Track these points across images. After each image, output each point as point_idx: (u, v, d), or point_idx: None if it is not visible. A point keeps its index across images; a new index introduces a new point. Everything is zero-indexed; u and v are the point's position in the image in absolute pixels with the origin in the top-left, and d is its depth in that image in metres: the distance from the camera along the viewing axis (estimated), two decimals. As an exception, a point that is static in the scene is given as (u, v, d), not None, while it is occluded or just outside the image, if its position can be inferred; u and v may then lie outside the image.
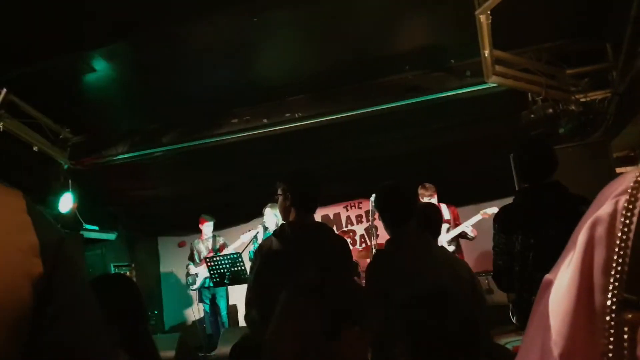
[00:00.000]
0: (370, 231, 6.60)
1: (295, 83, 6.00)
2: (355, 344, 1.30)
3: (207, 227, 7.81)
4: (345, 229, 8.64)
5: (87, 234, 7.53)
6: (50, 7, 4.21)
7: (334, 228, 7.48)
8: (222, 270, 6.39)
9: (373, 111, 6.03)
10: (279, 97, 6.27)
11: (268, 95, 6.23)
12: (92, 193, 7.56)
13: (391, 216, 3.06)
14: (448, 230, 6.27)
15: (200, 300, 7.82)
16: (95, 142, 6.87)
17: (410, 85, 5.92)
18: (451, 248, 6.16)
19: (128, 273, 8.27)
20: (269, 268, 2.85)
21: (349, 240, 7.38)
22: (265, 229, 6.49)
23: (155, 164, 7.15)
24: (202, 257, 7.46)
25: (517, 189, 4.73)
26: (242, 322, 7.19)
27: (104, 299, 1.03)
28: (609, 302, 0.58)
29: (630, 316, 0.56)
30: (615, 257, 0.58)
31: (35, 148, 6.14)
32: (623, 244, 0.58)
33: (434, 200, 6.13)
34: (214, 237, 7.79)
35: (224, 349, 5.39)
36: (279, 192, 3.08)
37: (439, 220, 3.77)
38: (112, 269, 8.17)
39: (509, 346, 4.03)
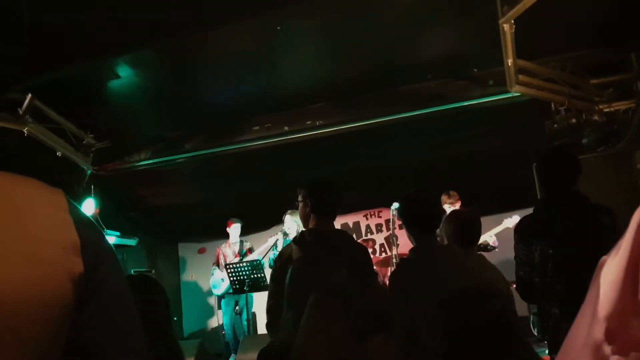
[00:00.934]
0: (391, 240, 6.58)
1: (316, 91, 6.00)
2: (384, 346, 1.30)
3: (234, 230, 7.72)
4: (365, 238, 8.58)
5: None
6: (75, 13, 4.26)
7: (354, 237, 7.46)
8: (242, 277, 6.40)
9: (394, 119, 6.00)
10: (300, 105, 6.29)
11: (289, 103, 6.24)
12: (114, 199, 7.65)
13: (416, 224, 3.00)
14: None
15: (220, 306, 7.80)
16: (119, 148, 6.91)
17: (432, 93, 5.90)
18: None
19: (148, 278, 8.29)
20: (290, 275, 2.85)
21: (369, 249, 7.34)
22: (286, 235, 6.50)
23: (178, 170, 7.22)
24: (227, 261, 7.42)
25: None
26: (261, 330, 7.18)
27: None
28: None
29: None
30: None
31: (58, 153, 6.18)
32: None
33: (457, 208, 6.08)
34: (241, 242, 7.76)
35: (243, 356, 5.37)
36: (299, 198, 3.10)
37: (475, 227, 3.68)
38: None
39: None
